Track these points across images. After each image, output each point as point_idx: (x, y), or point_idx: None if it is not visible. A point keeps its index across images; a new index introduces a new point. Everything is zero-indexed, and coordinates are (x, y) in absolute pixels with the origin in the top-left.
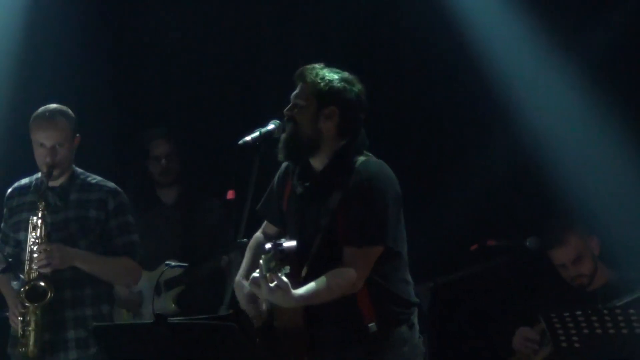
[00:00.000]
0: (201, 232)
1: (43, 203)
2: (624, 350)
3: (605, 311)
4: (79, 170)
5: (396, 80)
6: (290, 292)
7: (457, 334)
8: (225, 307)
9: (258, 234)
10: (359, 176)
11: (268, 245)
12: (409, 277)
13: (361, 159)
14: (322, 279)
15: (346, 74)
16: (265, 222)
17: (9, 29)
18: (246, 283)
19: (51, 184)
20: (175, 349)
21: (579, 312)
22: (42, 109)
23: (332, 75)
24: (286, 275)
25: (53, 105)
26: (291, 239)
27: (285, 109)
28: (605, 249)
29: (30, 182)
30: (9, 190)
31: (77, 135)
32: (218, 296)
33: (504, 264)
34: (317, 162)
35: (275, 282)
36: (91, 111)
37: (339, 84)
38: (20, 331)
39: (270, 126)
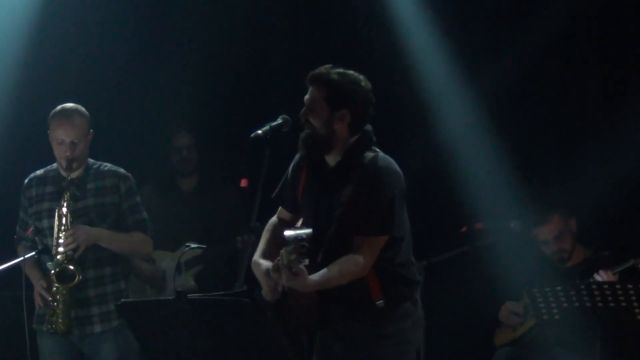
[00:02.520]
0: (217, 217)
1: (68, 194)
2: (599, 322)
3: (582, 287)
4: (91, 160)
5: None
6: (307, 278)
7: (448, 308)
8: (240, 284)
9: (274, 219)
10: (367, 171)
11: (289, 233)
12: (412, 258)
13: (370, 154)
14: (334, 266)
15: (354, 74)
16: (280, 208)
17: (32, 22)
18: (262, 261)
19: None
20: (194, 322)
21: (559, 288)
22: (59, 107)
23: (341, 78)
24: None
25: (69, 104)
26: (307, 226)
27: (301, 113)
28: (582, 229)
29: (46, 174)
30: (26, 181)
31: (91, 130)
32: (233, 274)
33: (491, 245)
34: (331, 158)
35: (294, 270)
36: (115, 106)
37: (348, 87)
38: (49, 311)
39: (280, 121)
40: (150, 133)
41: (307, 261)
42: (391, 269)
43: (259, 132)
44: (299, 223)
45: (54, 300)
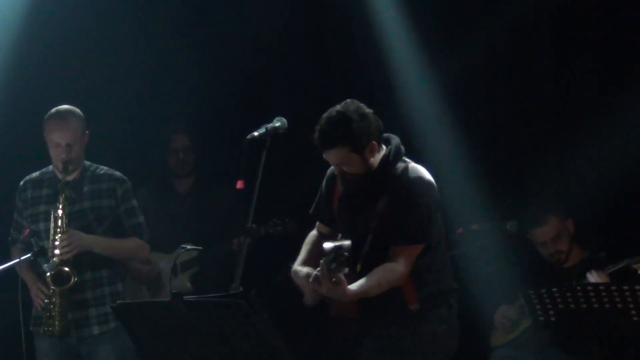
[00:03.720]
0: (214, 218)
1: (63, 196)
2: (595, 323)
3: (578, 288)
4: (87, 162)
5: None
6: (346, 288)
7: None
8: (235, 286)
9: (313, 232)
10: (401, 182)
11: (328, 245)
12: (447, 265)
13: (401, 165)
14: (373, 275)
15: (352, 108)
16: (318, 222)
17: (25, 23)
18: (302, 268)
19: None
20: (190, 324)
21: (554, 289)
22: (54, 110)
23: (349, 122)
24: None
25: (65, 106)
26: (345, 238)
27: (335, 170)
28: (578, 230)
29: (42, 176)
30: (21, 183)
31: (87, 132)
32: (229, 276)
33: (487, 246)
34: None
35: (334, 280)
36: (111, 108)
37: (361, 126)
38: (46, 313)
39: (276, 123)
40: (146, 134)
41: (346, 270)
42: (427, 276)
43: (255, 133)
44: (339, 237)
45: (51, 302)
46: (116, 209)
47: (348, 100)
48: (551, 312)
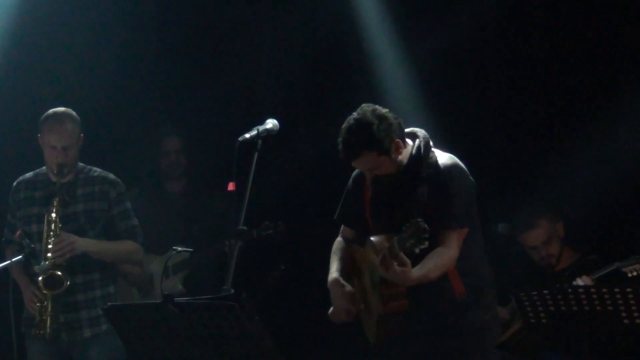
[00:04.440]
0: (205, 220)
1: (57, 200)
2: (586, 325)
3: (569, 290)
4: (81, 165)
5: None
6: (410, 272)
7: None
8: (227, 288)
9: (339, 239)
10: (438, 170)
11: (376, 238)
12: (485, 252)
13: (434, 155)
14: (430, 260)
15: (369, 112)
16: (343, 226)
17: (18, 24)
18: (346, 284)
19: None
20: (181, 326)
21: (546, 292)
22: (50, 112)
23: (370, 127)
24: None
25: (61, 109)
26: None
27: (367, 174)
28: (569, 233)
29: (36, 177)
30: (15, 184)
31: (82, 135)
32: (221, 278)
33: None
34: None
35: (400, 261)
36: (103, 110)
37: (383, 129)
38: (37, 316)
39: (268, 125)
40: (138, 136)
41: (426, 244)
42: (469, 261)
43: (247, 135)
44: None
45: (43, 305)
46: (109, 212)
47: (363, 105)
48: (542, 315)
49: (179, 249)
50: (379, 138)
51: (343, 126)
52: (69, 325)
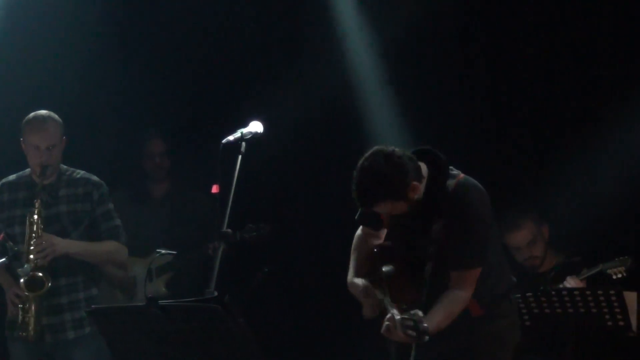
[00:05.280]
0: (189, 223)
1: (39, 201)
2: (570, 328)
3: (553, 293)
4: (64, 167)
5: None
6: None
7: None
8: (210, 291)
9: (358, 233)
10: (455, 203)
11: (387, 268)
12: (504, 263)
13: (452, 182)
14: (441, 309)
15: (382, 161)
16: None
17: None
18: (358, 280)
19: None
20: (165, 328)
21: (529, 294)
22: (33, 114)
23: (385, 179)
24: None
25: (43, 111)
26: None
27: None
28: (553, 235)
29: (19, 179)
30: None
31: (64, 137)
32: (204, 281)
33: None
34: None
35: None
36: (86, 112)
37: (396, 178)
38: (20, 318)
39: (252, 127)
40: (121, 139)
41: (426, 339)
42: (487, 282)
43: (231, 137)
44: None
45: (25, 307)
46: (92, 213)
47: (374, 149)
48: (526, 317)
49: (163, 251)
50: (396, 188)
51: (356, 174)
52: (53, 327)
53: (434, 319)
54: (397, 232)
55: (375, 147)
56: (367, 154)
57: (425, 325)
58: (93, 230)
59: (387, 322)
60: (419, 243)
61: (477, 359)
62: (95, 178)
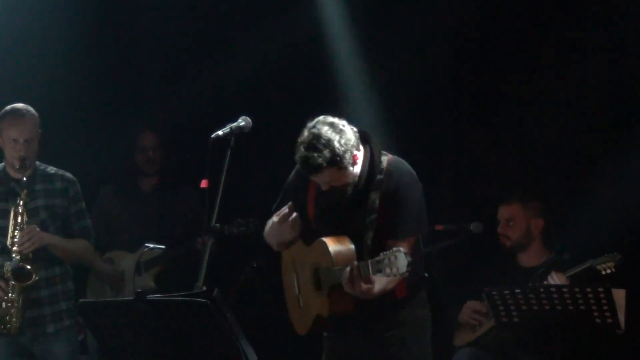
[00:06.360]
0: (177, 217)
1: (25, 192)
2: (558, 324)
3: (541, 289)
4: (37, 162)
5: None
6: (374, 289)
7: None
8: (199, 285)
9: (273, 220)
10: (390, 177)
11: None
12: (422, 253)
13: (385, 158)
14: None
15: (327, 127)
16: None
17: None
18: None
19: (18, 176)
20: (153, 323)
21: (518, 290)
22: (9, 108)
23: (330, 144)
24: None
25: (20, 105)
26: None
27: (323, 186)
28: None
29: None
30: None
31: (40, 131)
32: (193, 275)
33: (451, 246)
34: None
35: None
36: (75, 106)
37: (341, 144)
38: (5, 310)
39: (241, 122)
40: (109, 133)
41: (406, 275)
42: (413, 265)
43: (220, 132)
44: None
45: (10, 300)
46: (68, 209)
47: (320, 118)
48: (514, 313)
49: (151, 246)
50: (340, 154)
51: (301, 140)
52: (33, 321)
53: (382, 280)
54: (332, 202)
55: (321, 116)
56: (311, 122)
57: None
58: (66, 227)
59: (349, 270)
60: (354, 217)
61: (406, 345)
62: (69, 174)
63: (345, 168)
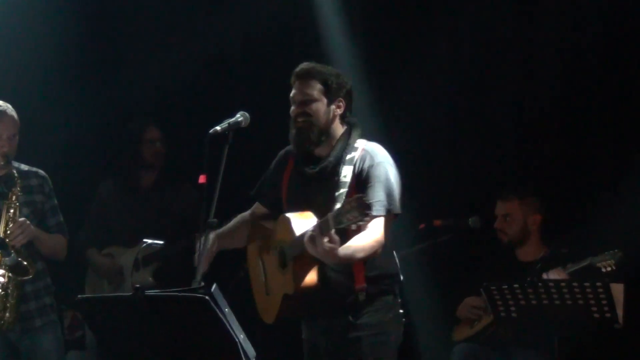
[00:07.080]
0: (175, 213)
1: (18, 187)
2: (557, 319)
3: (540, 284)
4: None
5: None
6: (338, 250)
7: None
8: (197, 281)
9: (245, 213)
10: (365, 155)
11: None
12: (394, 251)
13: (361, 141)
14: (355, 242)
15: (336, 70)
16: (257, 204)
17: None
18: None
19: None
20: (151, 318)
21: (516, 285)
22: None
23: (334, 71)
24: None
25: (0, 101)
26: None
27: (297, 106)
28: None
29: None
30: None
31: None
32: (191, 271)
33: (450, 241)
34: (322, 150)
35: (328, 240)
36: (74, 101)
37: (342, 79)
38: (1, 305)
39: (238, 117)
40: (107, 129)
41: (367, 220)
42: (377, 261)
43: (218, 128)
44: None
45: (6, 295)
46: (44, 206)
47: None
48: (513, 308)
49: (149, 241)
50: (331, 78)
51: None
52: (22, 316)
53: (350, 246)
54: (300, 190)
55: None
56: None
57: (369, 203)
58: (42, 223)
59: (311, 232)
60: (324, 192)
61: (363, 352)
62: (42, 171)
63: (328, 98)
